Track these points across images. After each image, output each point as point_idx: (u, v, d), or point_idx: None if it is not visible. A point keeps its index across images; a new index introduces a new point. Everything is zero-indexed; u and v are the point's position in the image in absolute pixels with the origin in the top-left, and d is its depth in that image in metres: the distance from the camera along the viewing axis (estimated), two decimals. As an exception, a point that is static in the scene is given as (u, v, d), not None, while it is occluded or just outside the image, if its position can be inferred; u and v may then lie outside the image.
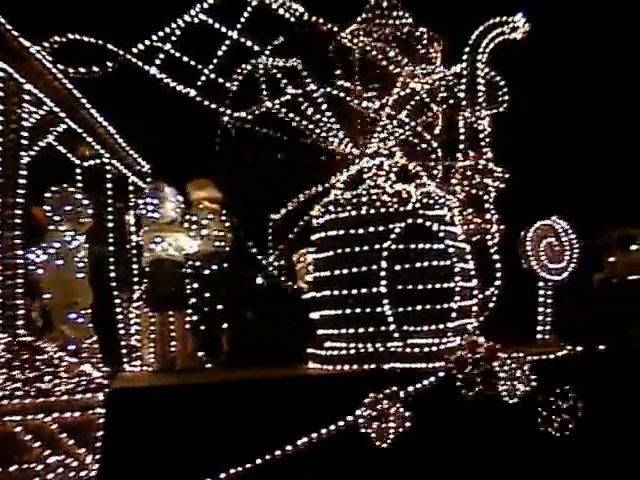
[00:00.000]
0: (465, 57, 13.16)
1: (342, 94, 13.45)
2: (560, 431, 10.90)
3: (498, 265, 12.54)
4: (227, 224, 13.46)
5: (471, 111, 12.85)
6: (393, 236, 11.21)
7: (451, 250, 11.43)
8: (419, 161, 13.00)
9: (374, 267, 11.15)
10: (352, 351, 11.35)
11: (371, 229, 11.33)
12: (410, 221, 11.31)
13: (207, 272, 13.13)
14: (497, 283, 12.39)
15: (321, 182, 13.30)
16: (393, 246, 11.20)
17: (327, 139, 12.97)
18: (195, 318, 12.92)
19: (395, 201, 11.42)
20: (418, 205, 11.47)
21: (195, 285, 13.03)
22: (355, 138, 13.08)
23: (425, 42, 14.46)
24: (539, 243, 13.03)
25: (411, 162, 12.21)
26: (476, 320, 12.14)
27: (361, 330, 11.29)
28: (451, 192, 12.61)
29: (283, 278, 13.57)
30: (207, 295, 13.06)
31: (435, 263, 11.29)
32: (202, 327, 13.04)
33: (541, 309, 13.24)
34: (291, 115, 13.24)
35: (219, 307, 12.99)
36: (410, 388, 10.59)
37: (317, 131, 13.02)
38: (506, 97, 13.57)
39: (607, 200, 15.85)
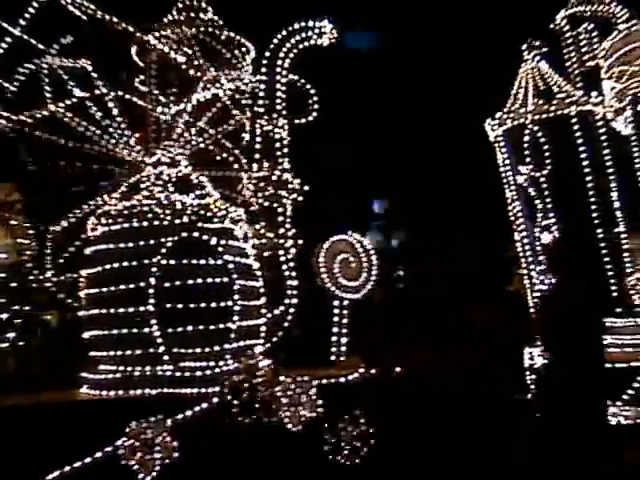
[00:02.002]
0: (264, 62, 12.35)
1: (135, 98, 12.44)
2: (350, 460, 10.20)
3: (292, 282, 11.71)
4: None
5: (268, 119, 12.05)
6: (164, 251, 10.28)
7: (231, 266, 10.62)
8: (217, 171, 12.11)
9: (142, 284, 10.21)
10: (119, 375, 10.38)
11: (141, 243, 10.40)
12: (185, 235, 10.42)
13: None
14: (289, 301, 11.56)
15: (106, 192, 12.29)
16: (163, 261, 10.28)
17: (117, 146, 11.98)
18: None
19: (168, 213, 10.51)
20: (195, 218, 10.60)
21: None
22: (148, 146, 12.11)
23: (231, 47, 13.64)
24: (333, 259, 12.31)
25: (197, 172, 11.33)
26: (266, 341, 11.32)
27: (128, 352, 10.33)
28: (244, 204, 11.76)
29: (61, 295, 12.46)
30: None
31: (211, 280, 10.43)
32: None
33: (335, 329, 12.51)
34: (77, 120, 12.19)
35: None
36: (179, 415, 9.67)
37: (106, 137, 12.01)
38: (315, 106, 12.81)
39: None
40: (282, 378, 10.35)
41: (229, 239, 10.72)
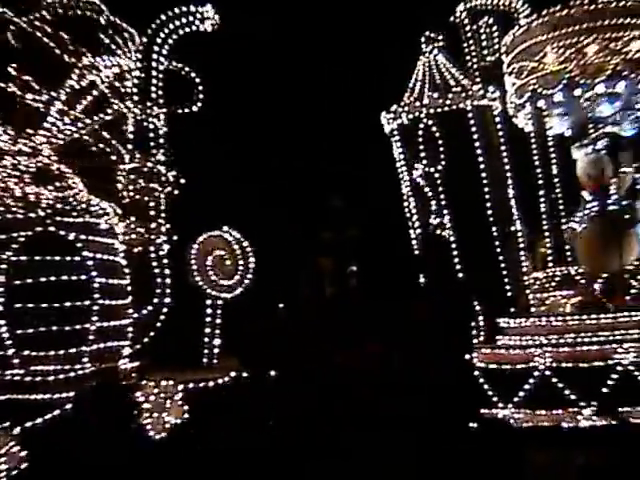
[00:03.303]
0: (140, 49, 11.65)
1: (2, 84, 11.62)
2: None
3: (164, 280, 11.03)
4: None
5: (142, 108, 11.36)
6: (15, 246, 9.53)
7: (90, 263, 9.90)
8: (89, 162, 11.36)
9: (-10, 281, 9.45)
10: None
11: (-9, 237, 9.64)
12: (39, 229, 9.67)
13: None
14: (160, 301, 10.88)
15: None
16: (14, 257, 9.52)
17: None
18: None
19: (22, 206, 9.75)
20: (51, 211, 9.86)
21: None
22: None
23: (112, 32, 12.89)
24: (206, 256, 11.64)
25: (62, 163, 10.58)
26: (135, 342, 10.63)
27: (-26, 355, 9.56)
28: (114, 198, 11.04)
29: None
30: None
31: (66, 278, 9.70)
32: None
33: (208, 330, 11.86)
34: None
35: None
36: (29, 423, 8.95)
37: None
38: (200, 96, 12.13)
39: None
40: (145, 382, 9.68)
41: (90, 234, 9.97)
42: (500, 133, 14.07)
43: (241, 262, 11.70)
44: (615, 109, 14.95)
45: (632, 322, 12.89)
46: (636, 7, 14.30)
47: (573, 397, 12.23)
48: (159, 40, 11.80)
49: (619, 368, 12.22)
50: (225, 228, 11.73)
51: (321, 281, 17.06)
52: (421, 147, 13.69)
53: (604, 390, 12.16)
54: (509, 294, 13.76)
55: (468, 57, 15.42)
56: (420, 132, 13.73)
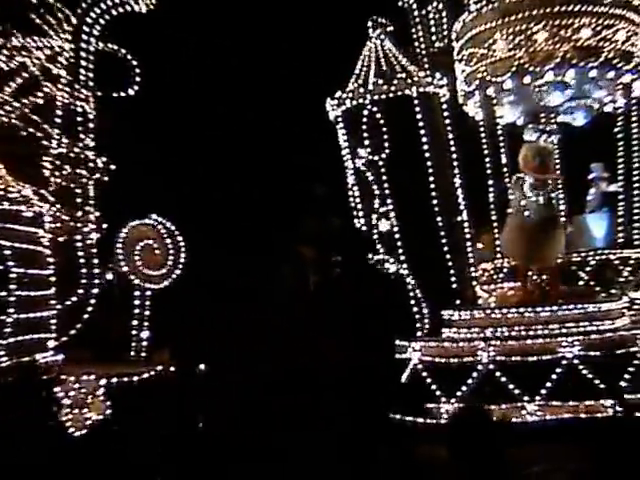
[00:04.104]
0: (70, 29, 11.15)
1: None
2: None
3: (90, 271, 10.57)
4: None
5: (70, 91, 10.87)
6: None
7: (7, 252, 9.41)
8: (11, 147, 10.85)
9: None
10: None
11: None
12: (-48, 215, 9.18)
13: None
14: (86, 292, 10.42)
15: None
16: None
17: None
18: None
19: None
20: (-36, 197, 9.37)
21: None
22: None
23: (44, 12, 12.35)
24: (134, 245, 11.18)
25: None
26: (59, 335, 10.16)
27: None
28: (39, 184, 10.55)
29: None
30: None
31: (-21, 268, 9.21)
32: None
33: (136, 322, 11.41)
34: None
35: None
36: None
37: None
38: (137, 79, 11.65)
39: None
40: (65, 377, 9.24)
41: (8, 222, 9.48)
42: (447, 121, 13.64)
43: (172, 252, 11.22)
44: (565, 98, 14.68)
45: (577, 314, 12.63)
46: (587, -7, 14.05)
47: (517, 391, 11.91)
48: (89, 20, 11.27)
49: (564, 362, 11.93)
50: (154, 216, 11.25)
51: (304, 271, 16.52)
52: (365, 134, 13.26)
53: (548, 384, 11.86)
54: (455, 286, 13.39)
55: (416, 43, 15.05)
56: (364, 119, 13.30)
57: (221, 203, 14.57)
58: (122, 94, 11.54)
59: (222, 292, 13.27)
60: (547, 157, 13.26)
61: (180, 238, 11.16)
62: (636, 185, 14.78)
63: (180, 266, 11.20)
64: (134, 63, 12.04)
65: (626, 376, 11.77)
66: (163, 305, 11.31)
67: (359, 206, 13.63)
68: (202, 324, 11.62)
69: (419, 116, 13.30)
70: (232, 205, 14.85)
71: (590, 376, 11.71)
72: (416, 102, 13.37)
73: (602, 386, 11.66)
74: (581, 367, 11.76)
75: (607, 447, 7.59)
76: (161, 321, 11.32)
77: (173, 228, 11.17)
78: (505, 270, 14.23)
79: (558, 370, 11.82)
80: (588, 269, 14.02)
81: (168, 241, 11.09)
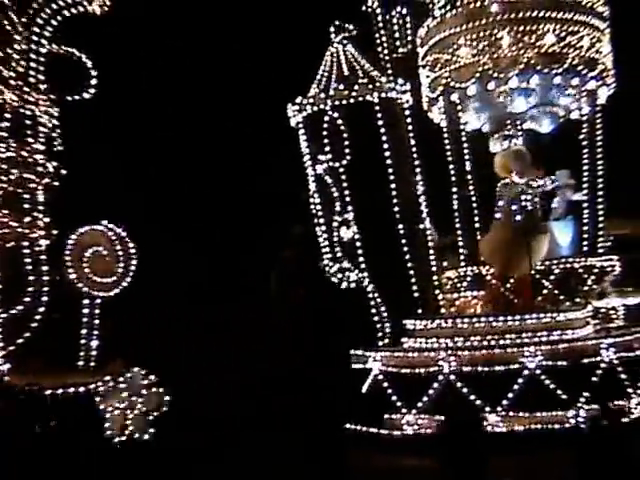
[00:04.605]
0: (20, 30, 10.82)
1: None
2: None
3: (39, 278, 10.23)
4: None
5: (19, 93, 10.53)
6: None
7: (-52, 259, 9.04)
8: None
9: None
10: None
11: None
12: None
13: None
14: (34, 300, 10.08)
15: None
16: None
17: None
18: None
19: None
20: None
21: None
22: None
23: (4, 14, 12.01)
24: (82, 253, 10.82)
25: None
26: (5, 343, 9.82)
27: None
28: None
29: None
30: None
31: None
32: None
33: (85, 331, 11.04)
34: None
35: None
36: None
37: None
38: (92, 81, 11.32)
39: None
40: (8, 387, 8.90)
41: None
42: (410, 127, 13.44)
43: (122, 260, 10.88)
44: (530, 104, 14.53)
45: (539, 324, 12.43)
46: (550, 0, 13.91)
47: (479, 402, 11.68)
48: (40, 21, 10.95)
49: (525, 372, 11.72)
50: (105, 223, 10.91)
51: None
52: (325, 140, 13.02)
53: (510, 395, 11.64)
54: (417, 294, 13.15)
55: (380, 48, 14.85)
56: (324, 125, 13.06)
57: (173, 205, 14.26)
58: (77, 97, 11.17)
59: (180, 298, 13.01)
60: (526, 158, 13.15)
61: (131, 244, 10.81)
62: (601, 193, 14.59)
63: (131, 273, 10.85)
64: (89, 65, 11.68)
65: (589, 385, 11.55)
66: (115, 314, 10.97)
67: (320, 213, 13.34)
68: (158, 332, 11.33)
69: (380, 122, 13.04)
70: (184, 211, 14.55)
71: (552, 386, 11.47)
72: (377, 108, 13.10)
73: (564, 396, 11.44)
74: (543, 377, 11.52)
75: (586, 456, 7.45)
76: (114, 330, 10.98)
77: (124, 234, 10.82)
78: (469, 278, 13.97)
79: (520, 380, 11.56)
80: (552, 278, 13.77)
81: (118, 247, 10.74)
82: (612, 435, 8.19)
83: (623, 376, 11.99)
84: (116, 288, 10.73)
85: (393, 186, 13.15)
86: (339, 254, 13.06)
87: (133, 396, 9.81)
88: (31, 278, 10.31)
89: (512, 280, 13.18)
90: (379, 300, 13.04)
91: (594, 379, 11.67)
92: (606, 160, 14.52)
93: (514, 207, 12.97)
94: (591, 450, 7.98)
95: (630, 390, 11.94)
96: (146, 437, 9.69)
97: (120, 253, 10.73)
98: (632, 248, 14.93)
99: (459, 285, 14.16)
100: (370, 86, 13.08)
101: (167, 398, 9.90)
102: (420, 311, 13.18)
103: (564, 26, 13.81)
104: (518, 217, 12.86)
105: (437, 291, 13.58)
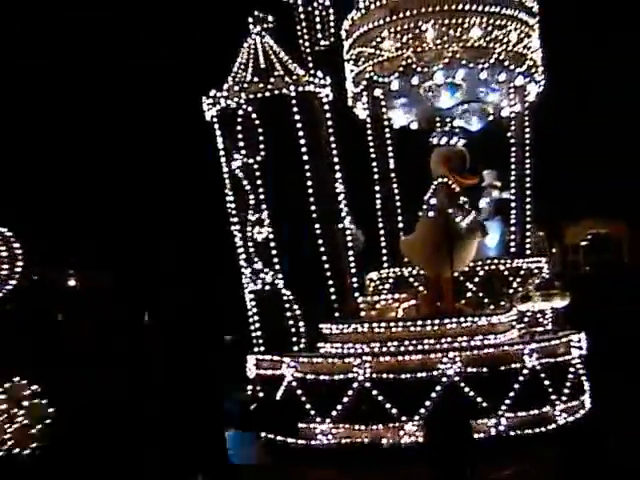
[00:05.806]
0: None
1: None
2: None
3: None
4: None
5: None
6: None
7: None
8: None
9: None
10: None
11: None
12: None
13: None
14: None
15: None
16: None
17: None
18: None
19: None
20: None
21: None
22: None
23: None
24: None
25: None
26: None
27: None
28: None
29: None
30: None
31: None
32: None
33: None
34: None
35: None
36: None
37: None
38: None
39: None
40: None
41: None
42: (330, 123, 12.85)
43: (7, 262, 10.11)
44: (456, 100, 14.01)
45: (459, 329, 11.92)
46: (477, -8, 13.40)
47: (394, 411, 11.14)
48: None
49: (444, 379, 11.20)
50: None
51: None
52: (239, 136, 12.38)
53: (427, 403, 11.12)
54: (334, 297, 12.57)
55: (301, 41, 14.25)
56: (239, 119, 12.43)
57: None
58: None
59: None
60: (465, 161, 12.59)
61: (17, 245, 10.05)
62: (529, 192, 14.12)
63: (16, 275, 10.10)
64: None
65: (511, 393, 11.10)
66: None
67: (234, 212, 12.72)
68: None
69: (297, 117, 12.44)
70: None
71: (472, 394, 10.98)
72: (294, 102, 12.50)
73: (485, 404, 10.97)
74: (462, 385, 11.02)
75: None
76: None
77: (9, 234, 10.07)
78: (391, 281, 13.42)
79: (438, 388, 11.05)
80: (476, 280, 13.26)
81: (2, 249, 9.98)
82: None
83: (547, 382, 11.53)
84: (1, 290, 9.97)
85: (310, 184, 12.51)
86: (253, 255, 12.40)
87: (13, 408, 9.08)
88: None
89: (434, 282, 12.60)
90: (294, 303, 12.45)
91: (516, 386, 11.17)
92: (534, 159, 14.03)
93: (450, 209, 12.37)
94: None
95: (554, 397, 11.49)
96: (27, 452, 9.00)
97: (4, 253, 9.96)
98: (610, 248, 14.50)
99: (381, 287, 13.59)
100: (287, 79, 12.44)
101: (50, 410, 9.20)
102: (338, 315, 12.57)
103: (490, 20, 13.28)
104: (458, 218, 12.24)
105: (357, 294, 12.98)
